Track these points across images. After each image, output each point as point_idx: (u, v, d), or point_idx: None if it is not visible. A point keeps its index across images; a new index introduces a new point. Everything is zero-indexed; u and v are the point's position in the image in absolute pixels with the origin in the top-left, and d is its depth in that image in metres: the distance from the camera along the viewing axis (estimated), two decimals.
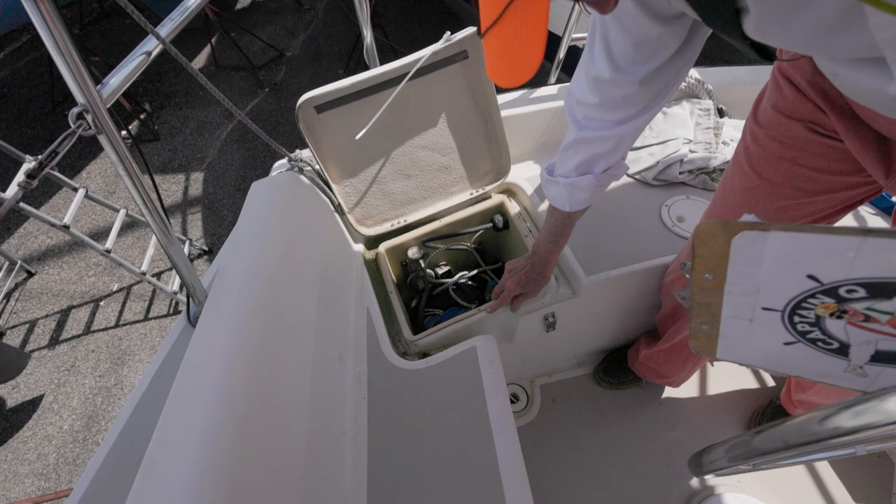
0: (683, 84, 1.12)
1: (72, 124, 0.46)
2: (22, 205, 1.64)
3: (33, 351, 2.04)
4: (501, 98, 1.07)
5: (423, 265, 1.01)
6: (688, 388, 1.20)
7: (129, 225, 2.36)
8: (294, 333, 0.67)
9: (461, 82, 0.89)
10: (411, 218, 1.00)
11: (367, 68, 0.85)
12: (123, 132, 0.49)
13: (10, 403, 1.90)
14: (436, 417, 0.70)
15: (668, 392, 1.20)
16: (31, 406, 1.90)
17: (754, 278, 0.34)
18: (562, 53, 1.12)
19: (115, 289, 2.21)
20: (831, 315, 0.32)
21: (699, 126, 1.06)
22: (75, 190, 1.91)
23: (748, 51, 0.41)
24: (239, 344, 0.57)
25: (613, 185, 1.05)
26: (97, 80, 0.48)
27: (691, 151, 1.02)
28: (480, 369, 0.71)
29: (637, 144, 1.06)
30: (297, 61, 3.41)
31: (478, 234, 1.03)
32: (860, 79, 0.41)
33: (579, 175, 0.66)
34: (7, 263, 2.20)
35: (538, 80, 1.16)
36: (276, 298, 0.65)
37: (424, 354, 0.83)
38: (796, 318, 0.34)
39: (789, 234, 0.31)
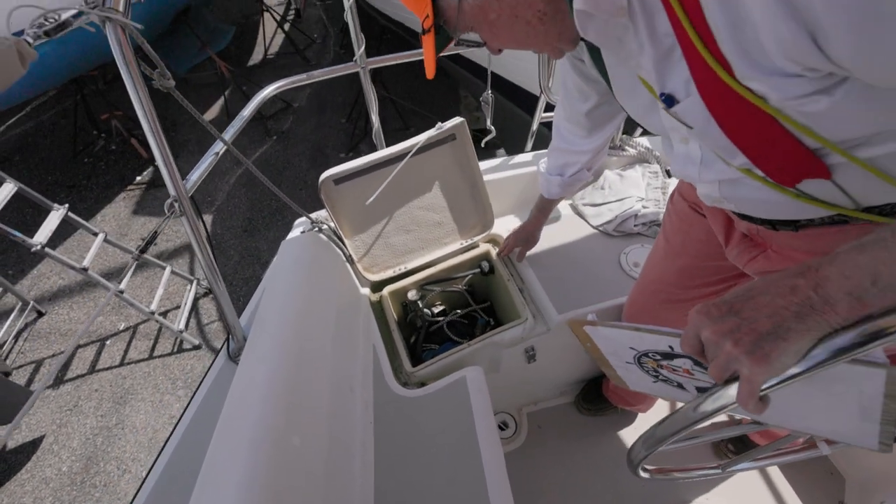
0: (635, 151, 1.34)
1: (166, 211, 0.63)
2: (46, 249, 1.77)
3: None
4: (485, 164, 1.28)
5: (420, 305, 1.16)
6: (660, 414, 1.33)
7: (139, 266, 2.48)
8: (316, 369, 0.81)
9: (451, 157, 1.09)
10: (410, 265, 1.17)
11: (367, 120, 1.04)
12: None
13: (11, 444, 1.91)
14: (432, 438, 0.83)
15: (642, 418, 1.33)
16: (31, 447, 1.91)
17: (609, 346, 0.54)
18: (535, 125, 1.36)
19: (121, 328, 2.29)
20: (658, 366, 0.50)
21: (650, 186, 1.28)
22: (95, 234, 2.03)
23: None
24: (275, 380, 0.69)
25: (580, 235, 1.25)
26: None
27: (644, 207, 1.23)
28: (470, 396, 0.85)
29: (598, 201, 1.27)
30: (303, 112, 3.71)
31: (468, 277, 1.20)
32: (671, 160, 0.60)
33: (555, 175, 0.95)
34: (20, 304, 2.29)
35: (516, 148, 1.39)
36: (303, 340, 0.80)
37: (423, 384, 0.97)
38: (644, 368, 0.52)
39: (606, 328, 0.51)
